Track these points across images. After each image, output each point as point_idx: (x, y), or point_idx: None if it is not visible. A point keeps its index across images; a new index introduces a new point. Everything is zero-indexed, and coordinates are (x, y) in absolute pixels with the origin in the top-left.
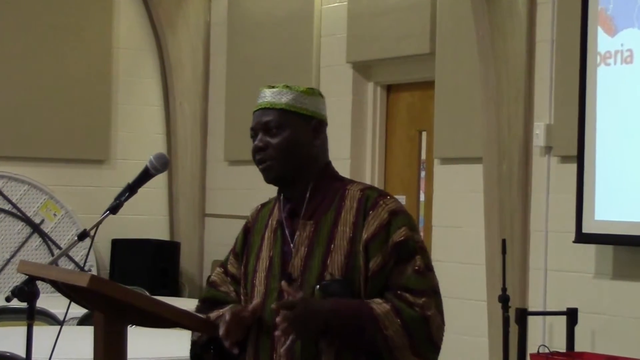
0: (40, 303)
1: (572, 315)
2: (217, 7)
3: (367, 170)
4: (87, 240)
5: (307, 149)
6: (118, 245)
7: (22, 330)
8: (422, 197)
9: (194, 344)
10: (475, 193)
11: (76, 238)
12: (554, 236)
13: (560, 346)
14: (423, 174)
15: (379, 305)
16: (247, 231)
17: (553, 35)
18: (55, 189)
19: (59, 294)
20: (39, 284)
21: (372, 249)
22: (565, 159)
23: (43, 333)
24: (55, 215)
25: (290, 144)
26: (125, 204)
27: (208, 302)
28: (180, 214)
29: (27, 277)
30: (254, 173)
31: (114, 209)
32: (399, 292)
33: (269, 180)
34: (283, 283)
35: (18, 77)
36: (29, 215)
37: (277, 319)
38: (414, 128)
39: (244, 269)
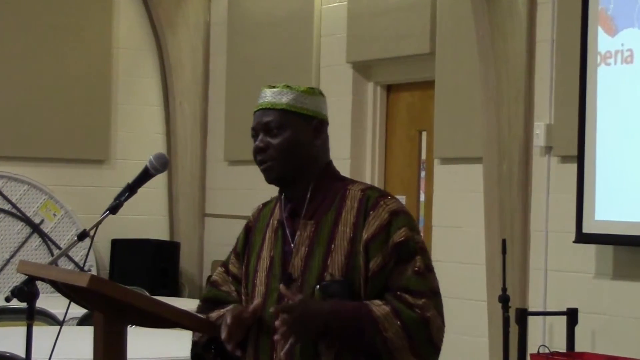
0: (40, 303)
1: (572, 316)
2: (217, 7)
3: (367, 170)
4: (87, 240)
5: (307, 149)
6: (118, 245)
7: (22, 330)
8: (422, 197)
9: (195, 344)
10: (475, 193)
11: (76, 238)
12: (554, 236)
13: (561, 346)
14: (423, 174)
15: (379, 307)
16: (248, 230)
17: (553, 35)
18: (55, 189)
19: (59, 294)
20: (39, 284)
21: (372, 249)
22: (565, 159)
23: (43, 333)
24: (55, 215)
25: (290, 144)
26: (125, 204)
27: (209, 302)
28: (180, 214)
29: (26, 277)
30: (254, 173)
31: (113, 209)
32: (398, 293)
33: (270, 180)
34: (281, 286)
35: (18, 77)
36: (28, 215)
37: (276, 323)
38: (414, 128)
39: (245, 269)
